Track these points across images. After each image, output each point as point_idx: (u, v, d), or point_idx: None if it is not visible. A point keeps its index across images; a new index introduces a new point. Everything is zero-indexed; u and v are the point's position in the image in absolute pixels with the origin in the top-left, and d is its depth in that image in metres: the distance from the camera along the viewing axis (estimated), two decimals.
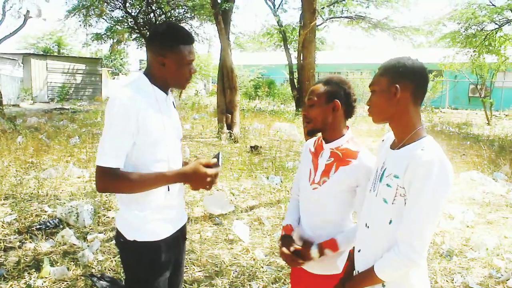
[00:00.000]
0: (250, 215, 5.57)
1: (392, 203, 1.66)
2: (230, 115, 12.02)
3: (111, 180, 1.82)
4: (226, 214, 5.52)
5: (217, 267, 4.06)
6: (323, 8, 16.79)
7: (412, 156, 1.61)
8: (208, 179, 1.92)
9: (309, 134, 2.16)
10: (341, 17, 17.53)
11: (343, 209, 2.08)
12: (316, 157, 2.14)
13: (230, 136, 11.70)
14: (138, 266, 1.96)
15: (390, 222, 1.68)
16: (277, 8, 18.61)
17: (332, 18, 17.59)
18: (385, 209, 1.69)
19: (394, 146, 1.76)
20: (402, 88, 1.68)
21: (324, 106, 2.06)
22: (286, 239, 2.15)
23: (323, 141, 2.12)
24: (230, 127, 11.96)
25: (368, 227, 1.79)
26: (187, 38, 1.94)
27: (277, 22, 18.47)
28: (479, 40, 15.90)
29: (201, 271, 3.98)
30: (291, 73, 18.74)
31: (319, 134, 2.17)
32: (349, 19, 17.52)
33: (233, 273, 3.94)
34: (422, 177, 1.55)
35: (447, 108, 25.71)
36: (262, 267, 4.06)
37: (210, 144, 11.01)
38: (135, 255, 1.96)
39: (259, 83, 28.90)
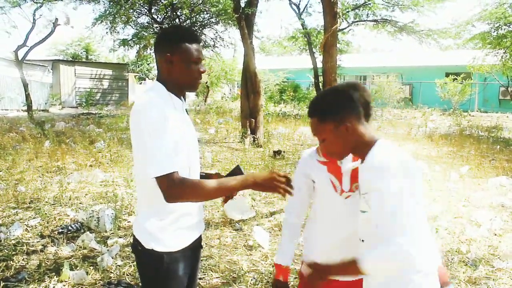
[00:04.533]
0: (270, 221, 5.51)
1: (370, 208, 1.68)
2: (253, 120, 12.02)
3: (178, 187, 1.73)
4: (246, 219, 5.47)
5: (235, 273, 4.01)
6: (348, 11, 16.64)
7: (365, 165, 1.73)
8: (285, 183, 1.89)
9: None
10: (366, 20, 17.32)
11: None
12: (333, 165, 2.01)
13: (254, 140, 11.68)
14: (156, 276, 1.91)
15: (377, 226, 1.64)
16: (302, 12, 18.53)
17: (357, 21, 17.41)
18: (368, 217, 1.70)
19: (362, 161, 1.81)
20: (349, 122, 1.73)
21: None
22: None
23: None
24: (253, 131, 11.95)
25: (363, 241, 1.78)
26: (192, 37, 1.93)
27: (302, 26, 18.40)
28: (510, 41, 15.47)
29: (218, 277, 3.94)
30: (316, 77, 18.61)
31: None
32: (375, 23, 17.30)
33: (251, 280, 3.89)
34: (374, 175, 1.62)
35: (477, 111, 25.08)
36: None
37: (234, 149, 11.01)
38: (153, 265, 1.90)
39: (284, 87, 28.80)
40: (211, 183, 1.77)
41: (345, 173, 1.98)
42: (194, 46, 1.92)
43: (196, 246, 2.09)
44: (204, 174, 2.19)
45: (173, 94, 1.94)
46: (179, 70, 1.91)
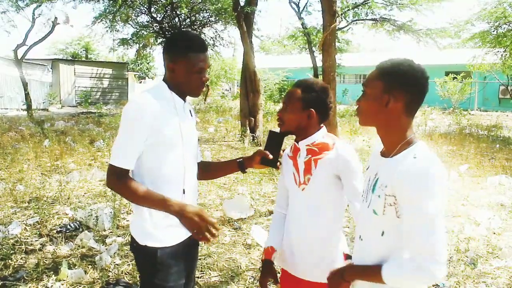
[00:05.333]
0: (269, 220, 5.51)
1: (383, 214, 1.57)
2: (253, 119, 12.01)
3: (117, 180, 1.86)
4: (245, 218, 5.47)
5: (234, 272, 4.01)
6: (347, 10, 16.61)
7: (403, 165, 1.50)
8: (209, 228, 1.86)
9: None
10: (365, 19, 17.28)
11: (334, 206, 2.05)
12: (295, 159, 2.12)
13: (253, 139, 11.68)
14: (152, 272, 1.95)
15: (382, 233, 1.59)
16: (301, 11, 18.51)
17: (356, 20, 17.37)
18: (376, 221, 1.60)
19: (385, 154, 1.64)
20: (395, 99, 1.55)
21: (298, 113, 2.05)
22: (266, 266, 2.18)
23: (297, 142, 2.12)
24: (253, 130, 11.95)
25: (362, 239, 1.72)
26: (198, 46, 1.97)
27: (302, 25, 18.39)
28: (510, 40, 15.46)
29: (217, 275, 3.94)
30: (316, 76, 18.60)
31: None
32: (374, 22, 17.26)
33: (249, 278, 3.89)
34: (419, 187, 1.44)
35: (476, 110, 25.08)
36: (279, 273, 3.98)
37: (233, 148, 11.01)
38: (148, 261, 1.95)
39: (284, 86, 28.83)
40: (144, 193, 1.86)
41: (300, 167, 2.08)
42: (199, 56, 1.96)
43: (192, 244, 2.10)
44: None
45: (175, 93, 2.01)
46: (181, 77, 1.97)
